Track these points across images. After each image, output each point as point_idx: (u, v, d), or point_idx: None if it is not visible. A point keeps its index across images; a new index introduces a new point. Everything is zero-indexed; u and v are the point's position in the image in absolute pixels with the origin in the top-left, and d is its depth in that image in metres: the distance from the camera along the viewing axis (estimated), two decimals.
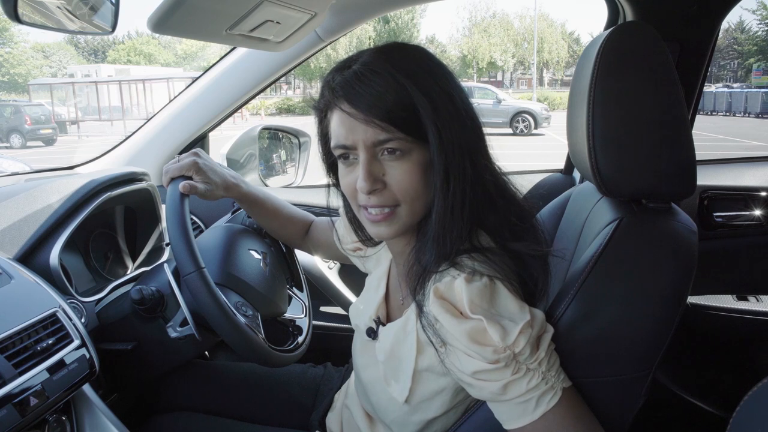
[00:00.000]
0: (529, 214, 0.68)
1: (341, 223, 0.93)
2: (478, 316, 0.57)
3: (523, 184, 1.49)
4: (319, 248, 1.06)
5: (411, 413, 0.72)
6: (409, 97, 0.60)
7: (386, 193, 0.63)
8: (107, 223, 1.17)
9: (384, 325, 0.75)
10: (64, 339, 0.77)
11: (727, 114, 17.49)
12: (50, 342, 0.75)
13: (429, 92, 0.61)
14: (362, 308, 0.82)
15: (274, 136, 1.68)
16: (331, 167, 0.76)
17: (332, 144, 0.66)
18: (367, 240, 0.82)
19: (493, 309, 0.58)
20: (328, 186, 0.78)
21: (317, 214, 1.08)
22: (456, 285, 0.59)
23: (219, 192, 0.91)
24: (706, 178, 1.36)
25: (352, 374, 0.92)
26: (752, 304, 1.36)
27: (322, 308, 1.56)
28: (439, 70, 0.64)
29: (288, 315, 1.03)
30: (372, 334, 0.77)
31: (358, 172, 0.63)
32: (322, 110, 0.69)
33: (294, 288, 1.10)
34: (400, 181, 0.63)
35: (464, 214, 0.62)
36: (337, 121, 0.64)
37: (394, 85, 0.60)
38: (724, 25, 1.12)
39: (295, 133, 1.71)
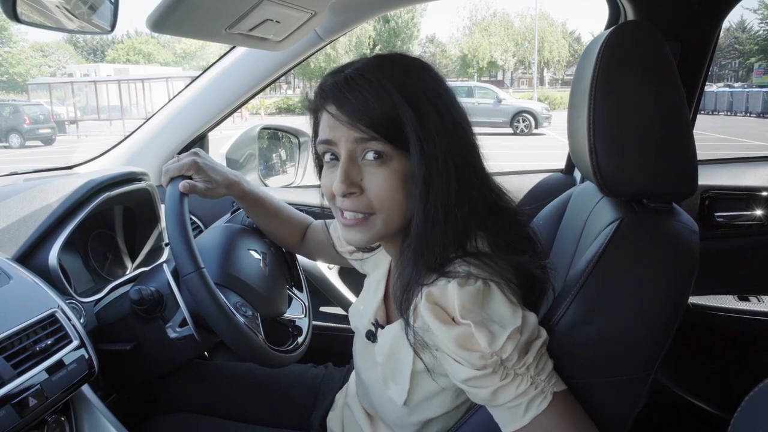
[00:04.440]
0: (522, 226, 0.69)
1: (336, 226, 0.93)
2: (467, 321, 0.57)
3: (524, 185, 1.48)
4: (317, 251, 1.05)
5: (410, 414, 0.72)
6: (394, 107, 0.61)
7: (362, 199, 0.63)
8: (106, 223, 1.17)
9: (383, 327, 0.75)
10: (63, 339, 0.77)
11: (729, 114, 17.48)
12: (49, 342, 0.74)
13: (415, 103, 0.61)
14: (361, 310, 0.82)
15: (273, 135, 1.68)
16: (321, 169, 0.75)
17: (317, 141, 0.67)
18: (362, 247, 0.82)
19: (484, 313, 0.58)
20: None
21: (317, 215, 1.08)
22: (449, 289, 0.59)
23: (220, 190, 0.91)
24: (707, 178, 1.35)
25: (353, 373, 0.92)
26: (753, 305, 1.36)
27: (322, 308, 1.56)
28: (431, 83, 0.64)
29: (288, 315, 1.02)
30: (371, 336, 0.77)
31: (337, 173, 0.63)
32: (314, 111, 0.70)
33: (294, 288, 1.10)
34: (376, 188, 0.63)
35: (447, 227, 0.61)
36: (323, 121, 0.66)
37: (381, 94, 0.61)
38: (725, 24, 1.12)
39: (295, 133, 1.71)
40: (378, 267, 0.84)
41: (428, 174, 0.61)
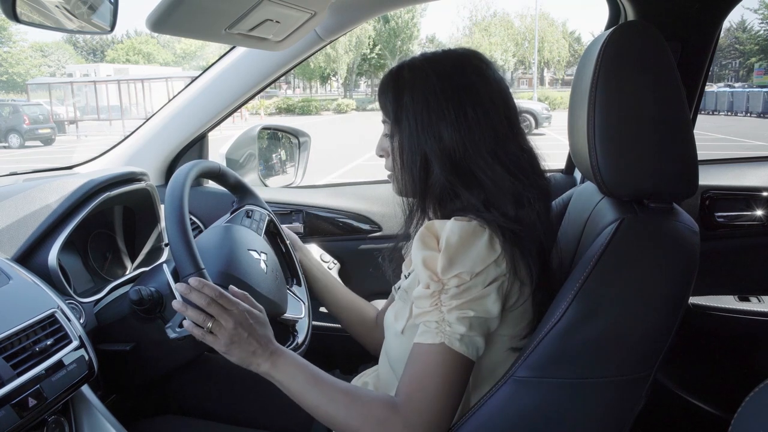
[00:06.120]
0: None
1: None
2: (443, 247, 0.65)
3: None
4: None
5: (407, 348, 0.73)
6: (401, 94, 0.74)
7: (388, 161, 0.81)
8: (106, 224, 1.16)
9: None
10: (63, 340, 0.77)
11: (729, 114, 17.48)
12: (49, 343, 0.74)
13: (422, 92, 0.72)
14: (407, 274, 0.85)
15: (273, 135, 1.68)
16: None
17: None
18: None
19: (461, 247, 0.65)
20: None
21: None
22: (448, 222, 0.67)
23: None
24: (707, 178, 1.35)
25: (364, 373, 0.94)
26: (754, 305, 1.36)
27: (322, 308, 1.56)
28: (459, 80, 0.72)
29: (288, 315, 1.02)
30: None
31: None
32: None
33: (294, 288, 1.10)
34: (391, 156, 0.79)
35: (426, 196, 0.75)
36: None
37: (397, 81, 0.75)
38: (726, 24, 1.12)
39: (295, 133, 1.71)
40: None
41: (401, 157, 0.76)
